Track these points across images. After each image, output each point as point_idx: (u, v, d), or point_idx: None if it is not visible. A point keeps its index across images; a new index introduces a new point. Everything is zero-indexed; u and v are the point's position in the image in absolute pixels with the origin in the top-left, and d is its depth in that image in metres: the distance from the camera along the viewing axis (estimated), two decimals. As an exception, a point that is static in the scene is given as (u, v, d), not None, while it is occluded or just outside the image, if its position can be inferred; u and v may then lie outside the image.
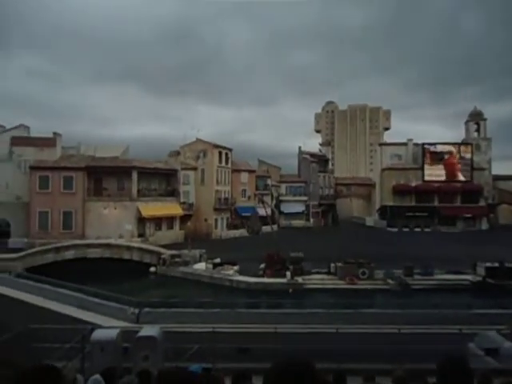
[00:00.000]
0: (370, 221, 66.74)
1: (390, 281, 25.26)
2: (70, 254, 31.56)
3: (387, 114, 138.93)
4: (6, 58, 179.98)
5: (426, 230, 57.04)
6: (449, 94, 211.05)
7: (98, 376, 4.60)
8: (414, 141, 64.74)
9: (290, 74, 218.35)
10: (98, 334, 9.15)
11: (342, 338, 10.51)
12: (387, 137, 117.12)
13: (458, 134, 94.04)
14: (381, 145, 70.86)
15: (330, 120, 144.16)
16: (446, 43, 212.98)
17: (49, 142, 44.53)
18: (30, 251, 31.36)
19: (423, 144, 62.53)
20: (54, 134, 45.91)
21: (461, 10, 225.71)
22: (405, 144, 65.27)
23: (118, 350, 8.94)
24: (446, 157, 61.87)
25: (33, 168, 41.13)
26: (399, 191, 61.02)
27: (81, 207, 40.75)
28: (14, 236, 40.54)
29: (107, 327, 11.59)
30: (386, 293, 24.03)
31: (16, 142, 44.03)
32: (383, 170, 63.67)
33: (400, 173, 61.71)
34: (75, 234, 39.44)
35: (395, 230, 57.02)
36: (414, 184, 61.01)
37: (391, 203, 60.99)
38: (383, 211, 62.59)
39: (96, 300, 17.86)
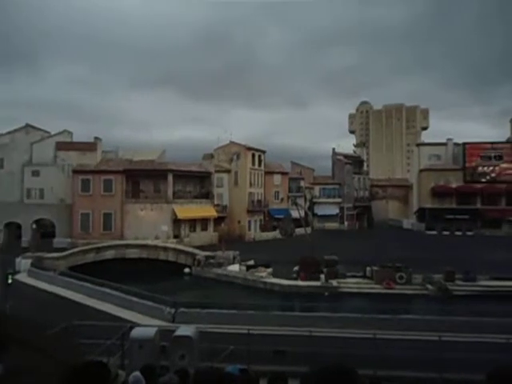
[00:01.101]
0: (407, 223, 64.70)
1: (429, 286, 24.34)
2: (109, 254, 32.74)
3: (425, 112, 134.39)
4: (51, 68, 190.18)
5: (468, 233, 54.52)
6: (492, 91, 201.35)
7: (138, 373, 4.72)
8: (455, 140, 62.20)
9: (324, 74, 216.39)
10: (136, 332, 9.41)
11: (378, 344, 10.25)
12: (425, 136, 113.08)
13: (504, 133, 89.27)
14: (418, 145, 68.53)
15: (364, 120, 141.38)
16: (488, 39, 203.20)
17: (90, 147, 46.52)
18: (72, 251, 32.83)
19: (464, 143, 59.94)
20: (95, 138, 47.89)
21: (505, 4, 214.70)
22: (444, 144, 62.80)
23: (155, 348, 9.16)
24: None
25: (75, 171, 43.16)
26: (439, 193, 58.75)
27: (119, 209, 42.25)
28: (58, 236, 42.71)
29: (145, 325, 11.91)
30: (424, 298, 23.19)
31: (60, 146, 46.31)
32: (421, 170, 61.56)
33: (439, 174, 59.41)
34: (114, 234, 40.92)
35: (434, 233, 54.93)
36: (454, 185, 58.57)
37: (430, 205, 58.82)
38: (421, 214, 60.48)
39: (134, 299, 18.40)
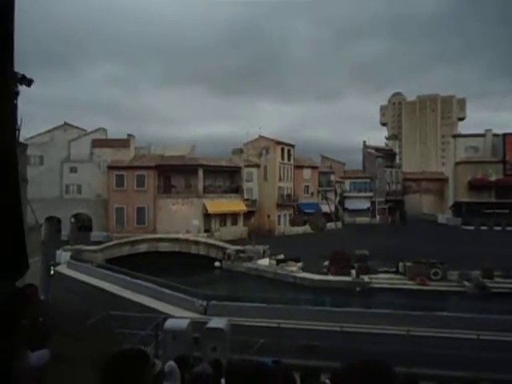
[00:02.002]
0: (442, 218, 62.54)
1: (465, 283, 23.50)
2: (143, 248, 33.72)
3: (462, 103, 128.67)
4: (87, 68, 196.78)
5: (509, 228, 52.03)
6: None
7: (172, 362, 4.87)
8: (494, 131, 59.27)
9: (354, 67, 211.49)
10: (170, 324, 9.69)
11: (412, 341, 10.04)
12: (462, 128, 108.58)
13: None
14: (454, 136, 65.85)
15: (396, 112, 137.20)
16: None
17: (123, 143, 47.92)
18: (108, 244, 34.06)
19: (504, 134, 57.03)
20: (128, 135, 49.26)
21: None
22: (482, 135, 60.00)
23: (188, 339, 9.40)
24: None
25: (110, 168, 44.64)
26: (476, 186, 56.30)
27: (152, 204, 43.36)
28: (95, 230, 44.44)
29: (178, 317, 12.21)
30: (461, 295, 22.41)
31: (96, 144, 48.00)
32: (457, 163, 59.18)
33: (477, 166, 56.89)
34: (147, 228, 42.08)
35: (472, 228, 52.78)
36: (493, 178, 55.94)
37: (467, 199, 56.51)
38: (457, 208, 58.24)
39: (167, 291, 18.87)
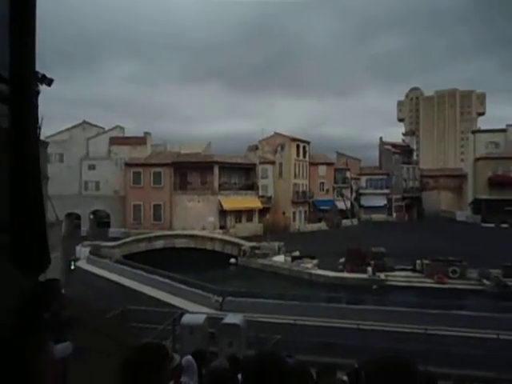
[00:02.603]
0: (461, 215, 61.24)
1: (485, 281, 22.99)
2: (159, 244, 34.12)
3: (481, 97, 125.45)
4: (106, 67, 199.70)
5: (530, 226, 50.62)
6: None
7: (190, 357, 4.94)
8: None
9: (371, 62, 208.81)
10: (187, 319, 9.81)
11: (430, 340, 9.91)
12: (481, 123, 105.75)
13: None
14: (474, 132, 64.32)
15: (414, 108, 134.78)
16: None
17: (140, 141, 48.52)
18: (126, 240, 34.59)
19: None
20: (145, 133, 49.85)
21: None
22: (503, 130, 58.43)
23: (205, 334, 9.50)
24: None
25: (127, 165, 45.29)
26: (497, 183, 54.89)
27: (168, 200, 43.82)
28: (113, 226, 45.23)
29: (195, 313, 12.35)
30: (480, 294, 21.94)
31: (113, 141, 48.75)
32: (477, 159, 57.82)
33: (497, 162, 55.44)
34: (164, 225, 42.57)
35: (491, 225, 51.50)
36: (515, 175, 54.46)
37: (487, 196, 55.21)
38: (477, 205, 56.95)
39: (184, 287, 19.08)
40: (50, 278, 3.70)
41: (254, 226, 45.79)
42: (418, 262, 25.28)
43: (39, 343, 1.13)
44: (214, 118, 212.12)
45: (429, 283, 23.44)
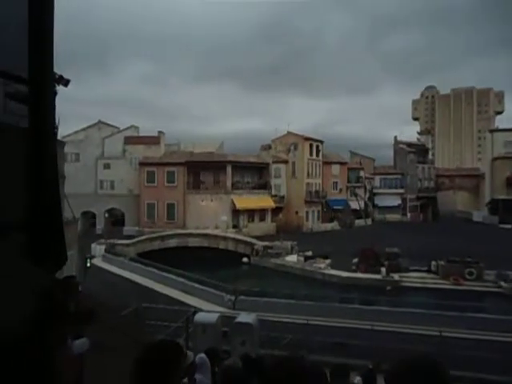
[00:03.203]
0: (477, 216, 60.04)
1: (502, 283, 22.52)
2: (173, 243, 34.42)
3: (499, 96, 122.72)
4: (120, 67, 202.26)
5: (551, 227, 49.31)
6: None
7: (203, 355, 4.97)
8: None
9: (386, 60, 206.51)
10: (200, 317, 9.86)
11: (445, 342, 9.76)
12: (499, 122, 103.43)
13: None
14: (492, 131, 62.96)
15: (429, 106, 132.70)
16: None
17: (154, 140, 48.97)
18: (140, 238, 34.99)
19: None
20: (159, 132, 50.28)
21: None
22: (523, 129, 57.07)
23: (218, 332, 9.54)
24: None
25: (141, 164, 45.76)
26: (515, 183, 53.70)
27: (182, 199, 44.13)
28: (127, 224, 45.77)
29: (208, 311, 12.41)
30: (497, 296, 21.51)
31: (128, 141, 49.31)
32: (495, 159, 56.60)
33: (516, 162, 54.20)
34: (177, 224, 42.88)
35: (509, 226, 50.33)
36: (534, 175, 53.14)
37: (505, 196, 53.98)
38: (494, 205, 55.75)
39: (196, 285, 19.20)
40: (68, 275, 3.77)
41: (267, 226, 45.76)
42: (433, 263, 24.92)
43: (58, 339, 1.15)
44: (227, 118, 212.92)
45: (444, 285, 23.10)
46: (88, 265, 21.78)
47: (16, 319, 1.75)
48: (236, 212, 43.44)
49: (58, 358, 1.11)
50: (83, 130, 50.85)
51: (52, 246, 3.66)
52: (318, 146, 53.02)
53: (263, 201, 46.04)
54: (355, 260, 26.38)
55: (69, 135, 46.83)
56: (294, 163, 50.94)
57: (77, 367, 2.36)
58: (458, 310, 14.29)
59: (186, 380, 3.34)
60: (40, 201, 3.52)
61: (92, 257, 28.18)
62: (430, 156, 72.31)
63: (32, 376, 1.05)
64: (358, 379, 5.07)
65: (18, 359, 1.04)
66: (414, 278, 24.49)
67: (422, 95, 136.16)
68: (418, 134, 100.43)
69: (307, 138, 51.42)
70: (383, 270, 24.83)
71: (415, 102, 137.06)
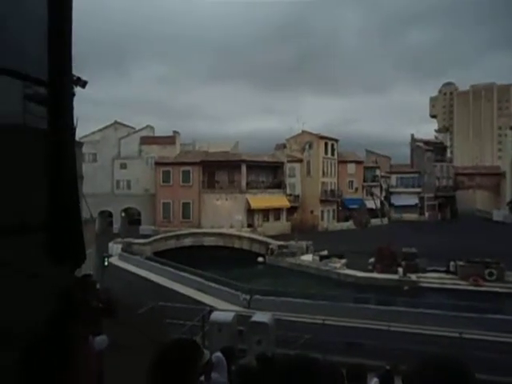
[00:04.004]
0: (498, 215, 58.58)
1: (525, 284, 21.95)
2: (188, 242, 34.67)
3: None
4: (135, 68, 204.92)
5: None
6: None
7: (219, 353, 4.99)
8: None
9: (403, 57, 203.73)
10: (216, 316, 9.91)
11: (465, 344, 9.56)
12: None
13: None
14: (513, 128, 61.38)
15: (447, 103, 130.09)
16: None
17: (170, 140, 49.40)
18: (156, 237, 35.37)
19: None
20: (174, 132, 50.69)
21: None
22: (545, 126, 55.41)
23: (233, 331, 9.57)
24: None
25: (157, 164, 46.26)
26: (537, 181, 52.19)
27: (197, 199, 44.42)
28: (143, 224, 46.34)
29: (224, 310, 12.46)
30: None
31: (144, 141, 49.89)
32: (516, 157, 55.15)
33: (539, 160, 52.68)
34: (192, 223, 43.19)
35: (532, 226, 49.06)
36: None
37: (526, 195, 52.57)
38: (516, 204, 54.37)
39: (212, 284, 19.30)
40: (85, 274, 3.83)
41: (282, 225, 45.66)
42: (452, 263, 24.44)
43: (80, 336, 1.16)
44: (242, 117, 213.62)
45: (463, 285, 22.64)
46: (106, 263, 22.11)
47: (38, 316, 1.79)
48: (251, 211, 43.48)
49: (81, 355, 1.13)
50: (100, 130, 51.64)
51: (71, 245, 3.73)
52: (333, 145, 52.61)
53: (278, 200, 45.95)
54: (371, 260, 26.09)
55: (86, 136, 47.63)
56: (308, 162, 50.67)
57: (98, 364, 2.39)
58: (477, 311, 13.98)
59: (202, 378, 3.35)
60: (59, 201, 3.58)
61: (109, 256, 28.62)
62: (448, 154, 70.84)
63: (55, 372, 1.06)
64: (375, 380, 5.00)
65: (40, 356, 1.05)
66: (432, 279, 24.07)
67: (439, 92, 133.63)
68: (436, 131, 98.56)
69: (322, 137, 51.07)
70: (400, 270, 24.48)
71: (433, 99, 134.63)
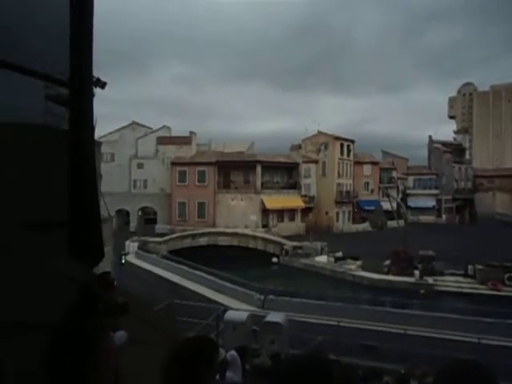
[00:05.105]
0: (519, 218, 57.13)
1: (547, 290, 21.32)
2: (203, 241, 34.91)
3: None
4: (153, 68, 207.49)
5: None
6: None
7: (234, 352, 5.02)
8: None
9: (420, 57, 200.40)
10: (230, 315, 9.96)
11: (484, 350, 9.35)
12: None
13: None
14: (536, 129, 59.67)
15: (467, 104, 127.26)
16: None
17: (186, 140, 49.84)
18: (171, 236, 35.73)
19: None
20: (190, 132, 51.12)
21: None
22: None
23: (247, 331, 9.59)
24: None
25: (173, 163, 46.72)
26: (561, 184, 50.63)
27: (212, 199, 44.67)
28: (159, 223, 46.87)
29: (238, 309, 12.50)
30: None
31: (160, 141, 50.47)
32: (539, 158, 53.61)
33: (563, 162, 51.08)
34: (207, 222, 43.45)
35: (555, 230, 47.60)
36: None
37: (549, 198, 51.04)
38: (538, 208, 52.86)
39: (227, 284, 19.39)
40: (104, 271, 3.91)
41: (297, 226, 45.51)
42: (470, 266, 23.93)
43: (101, 331, 1.19)
44: (258, 117, 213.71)
45: (482, 290, 22.13)
46: (123, 261, 22.46)
47: (59, 311, 1.84)
48: (265, 212, 43.48)
49: (102, 349, 1.16)
50: (117, 130, 52.47)
51: (90, 243, 3.82)
52: (348, 146, 52.18)
53: (293, 201, 45.82)
54: (387, 262, 25.76)
55: (104, 135, 48.45)
56: (324, 163, 50.37)
57: (118, 359, 2.43)
58: (497, 316, 13.65)
59: (218, 377, 3.38)
60: (80, 199, 3.67)
61: (126, 253, 29.05)
62: (467, 156, 69.46)
63: (79, 367, 1.09)
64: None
65: (64, 350, 1.08)
66: (449, 282, 23.62)
67: (458, 92, 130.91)
68: (455, 132, 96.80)
69: (338, 138, 50.70)
70: (416, 272, 24.11)
71: (451, 100, 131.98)
